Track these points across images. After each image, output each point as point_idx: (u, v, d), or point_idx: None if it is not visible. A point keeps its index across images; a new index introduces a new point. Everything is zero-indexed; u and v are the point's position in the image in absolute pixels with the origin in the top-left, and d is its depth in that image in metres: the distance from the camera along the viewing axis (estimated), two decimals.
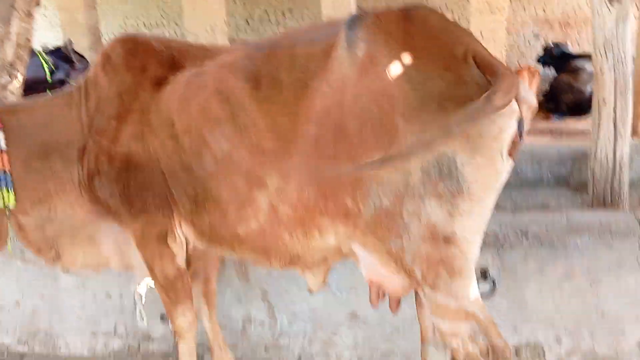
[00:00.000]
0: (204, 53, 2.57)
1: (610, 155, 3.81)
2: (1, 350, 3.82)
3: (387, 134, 1.96)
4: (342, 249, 2.33)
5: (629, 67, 3.74)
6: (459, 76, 1.93)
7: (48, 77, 4.64)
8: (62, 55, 5.47)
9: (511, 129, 1.94)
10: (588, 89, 6.91)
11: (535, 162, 4.64)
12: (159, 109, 2.46)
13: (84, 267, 2.93)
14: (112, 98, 2.58)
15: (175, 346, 3.10)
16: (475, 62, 1.95)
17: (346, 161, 2.03)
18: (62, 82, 4.53)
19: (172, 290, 2.78)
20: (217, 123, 2.28)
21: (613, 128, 3.76)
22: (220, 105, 2.27)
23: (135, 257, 2.82)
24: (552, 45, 8.27)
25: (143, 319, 3.14)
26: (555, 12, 9.82)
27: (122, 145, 2.53)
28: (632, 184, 4.30)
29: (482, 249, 2.17)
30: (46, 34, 9.78)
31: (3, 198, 2.65)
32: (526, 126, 2.02)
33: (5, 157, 2.65)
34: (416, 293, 2.51)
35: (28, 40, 4.03)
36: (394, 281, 2.33)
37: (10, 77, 3.96)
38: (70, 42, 5.63)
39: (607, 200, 3.87)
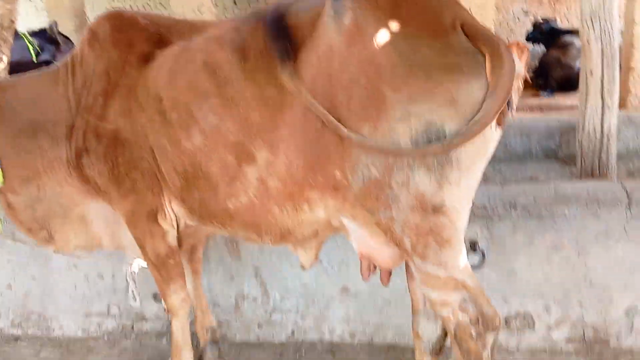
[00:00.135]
0: (190, 28, 2.55)
1: (598, 127, 3.82)
2: None
3: (374, 104, 1.95)
4: (332, 223, 2.34)
5: (616, 38, 3.74)
6: (448, 44, 1.92)
7: (34, 59, 4.58)
8: (47, 37, 5.41)
9: None
10: (577, 64, 6.89)
11: (524, 135, 4.64)
12: (146, 84, 2.44)
13: (77, 248, 2.93)
14: (99, 74, 2.56)
15: (169, 326, 3.13)
16: (464, 31, 1.95)
17: (334, 132, 2.03)
18: (48, 64, 4.47)
19: (163, 268, 2.79)
20: (205, 97, 2.26)
21: (601, 100, 3.77)
22: (208, 79, 2.25)
23: (127, 237, 2.83)
24: (541, 21, 8.24)
25: (136, 299, 3.16)
26: None
27: (110, 122, 2.51)
28: (620, 157, 4.33)
29: (471, 221, 2.18)
30: (31, 19, 9.66)
31: None
32: (515, 96, 2.02)
33: None
34: (407, 265, 2.53)
35: (12, 22, 3.96)
36: (384, 253, 2.34)
37: None
38: (56, 24, 5.56)
39: (595, 172, 3.90)
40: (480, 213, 3.05)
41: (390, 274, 2.56)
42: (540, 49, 8.26)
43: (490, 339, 2.24)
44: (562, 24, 8.67)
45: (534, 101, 7.08)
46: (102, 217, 2.84)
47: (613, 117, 3.83)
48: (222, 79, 2.23)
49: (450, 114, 1.90)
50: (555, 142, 4.66)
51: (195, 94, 2.28)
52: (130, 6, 11.28)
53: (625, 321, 3.10)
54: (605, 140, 3.84)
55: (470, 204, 2.12)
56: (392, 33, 1.95)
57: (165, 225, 2.67)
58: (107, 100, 2.52)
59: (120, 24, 2.59)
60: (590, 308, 3.10)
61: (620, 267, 3.02)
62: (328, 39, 2.03)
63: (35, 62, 4.65)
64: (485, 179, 2.13)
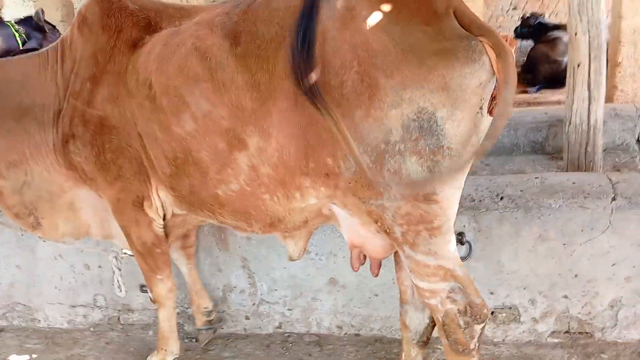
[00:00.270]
0: (180, 13, 2.53)
1: (585, 119, 3.84)
2: None
3: (367, 90, 1.94)
4: (323, 211, 2.34)
5: (603, 30, 3.76)
6: (441, 30, 1.92)
7: (20, 47, 4.54)
8: (34, 25, 5.36)
9: (490, 83, 1.94)
10: (565, 59, 6.96)
11: (511, 129, 4.66)
12: (135, 70, 2.42)
13: (65, 236, 2.91)
14: (87, 59, 2.54)
15: (156, 317, 3.11)
16: (456, 18, 1.95)
17: (326, 118, 2.01)
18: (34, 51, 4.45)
19: (149, 256, 2.78)
20: (195, 82, 2.23)
21: (587, 92, 3.79)
22: (198, 64, 2.23)
23: (116, 226, 2.82)
24: (529, 16, 8.28)
25: (121, 289, 3.15)
26: None
27: (97, 108, 2.49)
28: (607, 150, 4.37)
29: (457, 212, 2.18)
30: (18, 9, 9.57)
31: None
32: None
33: None
34: (395, 255, 2.54)
35: None
36: (374, 243, 2.35)
37: None
38: (42, 11, 5.50)
39: (581, 166, 3.92)
40: (467, 204, 3.06)
41: (380, 264, 2.56)
42: (528, 44, 8.30)
43: (478, 329, 2.24)
44: (550, 19, 8.72)
45: (521, 97, 7.11)
46: (90, 205, 2.82)
47: (600, 110, 3.85)
48: (213, 64, 2.20)
49: (443, 100, 1.90)
50: (543, 136, 4.68)
51: (186, 79, 2.25)
52: None
53: (610, 313, 3.12)
54: (591, 132, 3.86)
55: (460, 192, 2.12)
56: (385, 18, 1.94)
57: (151, 213, 2.66)
58: (95, 86, 2.50)
59: (109, 8, 2.55)
60: (575, 300, 3.12)
61: (606, 259, 3.04)
62: (320, 24, 2.01)
63: (22, 50, 4.62)
64: (473, 172, 2.13)
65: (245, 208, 2.36)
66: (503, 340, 3.23)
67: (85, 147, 2.54)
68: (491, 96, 1.97)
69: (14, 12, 8.15)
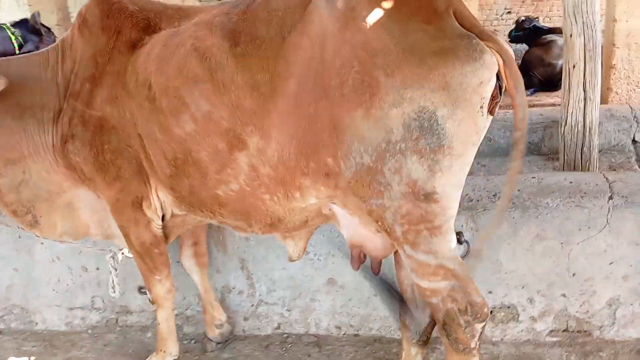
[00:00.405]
0: (179, 13, 2.54)
1: (580, 120, 3.87)
2: None
3: (368, 89, 1.95)
4: (323, 211, 2.34)
5: (598, 32, 3.78)
6: (441, 29, 1.93)
7: (16, 49, 4.54)
8: (30, 28, 5.36)
9: (491, 82, 1.95)
10: (559, 63, 6.99)
11: (508, 130, 4.67)
12: (135, 70, 2.42)
13: (63, 235, 2.90)
14: (87, 60, 2.54)
15: (154, 319, 3.10)
16: (456, 20, 1.96)
17: (327, 118, 2.03)
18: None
19: (148, 257, 2.77)
20: (195, 82, 2.24)
21: (583, 92, 3.81)
22: (198, 64, 2.23)
23: (115, 226, 2.81)
24: (524, 19, 8.33)
25: (115, 290, 3.14)
26: None
27: (96, 109, 2.49)
28: (602, 151, 4.39)
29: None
30: (14, 13, 9.55)
31: None
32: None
33: None
34: (395, 254, 2.54)
35: None
36: (375, 242, 2.35)
37: None
38: (38, 14, 5.51)
39: (577, 166, 3.94)
40: (465, 204, 3.07)
41: (380, 263, 2.57)
42: (522, 47, 8.34)
43: (478, 328, 2.25)
44: (544, 22, 8.77)
45: None
46: (89, 205, 2.82)
47: (595, 110, 3.87)
48: (213, 64, 2.21)
49: (444, 99, 1.91)
50: (539, 137, 4.70)
51: (186, 80, 2.26)
52: None
53: (607, 311, 3.13)
54: (587, 133, 3.88)
55: (461, 191, 2.13)
56: (385, 17, 1.95)
57: (150, 213, 2.66)
58: (95, 87, 2.50)
59: (109, 9, 2.56)
60: (573, 299, 3.13)
61: (603, 258, 3.05)
62: (321, 23, 2.03)
63: (18, 53, 4.61)
64: (469, 172, 2.14)
65: (245, 208, 2.36)
66: (501, 339, 3.24)
67: (85, 148, 2.54)
68: (491, 96, 1.99)
69: (9, 16, 8.15)
